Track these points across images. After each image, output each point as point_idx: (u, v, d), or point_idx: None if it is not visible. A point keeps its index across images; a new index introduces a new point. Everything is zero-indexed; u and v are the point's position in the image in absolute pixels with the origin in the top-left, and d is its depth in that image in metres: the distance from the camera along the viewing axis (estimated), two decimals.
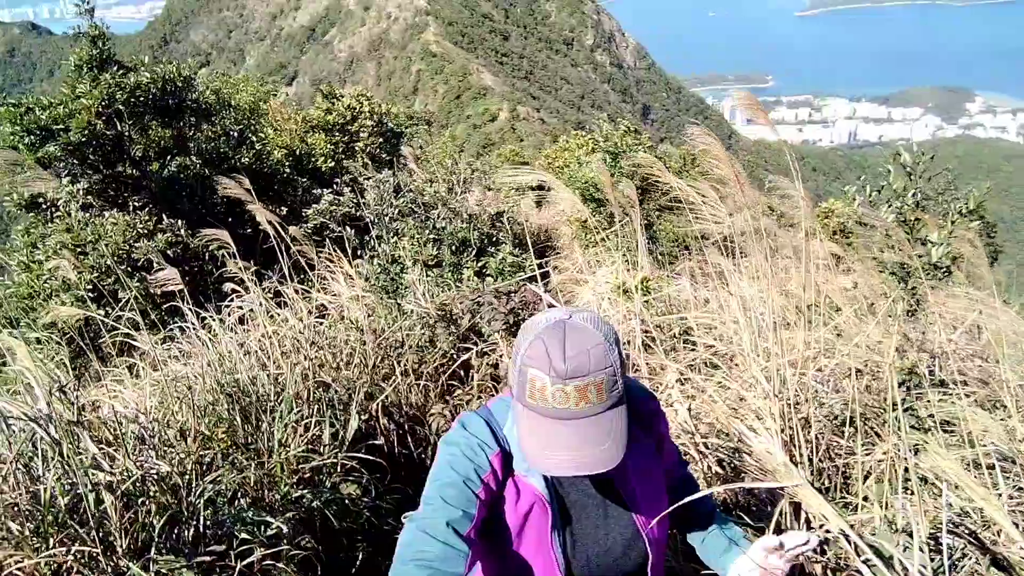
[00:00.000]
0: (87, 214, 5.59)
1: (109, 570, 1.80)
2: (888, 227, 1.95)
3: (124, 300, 4.76)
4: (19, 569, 1.72)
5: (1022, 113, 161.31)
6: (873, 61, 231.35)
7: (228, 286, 4.58)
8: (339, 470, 3.01)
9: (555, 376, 1.24)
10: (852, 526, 1.84)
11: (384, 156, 7.29)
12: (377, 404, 3.74)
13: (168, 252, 5.88)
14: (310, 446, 3.07)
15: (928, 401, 2.47)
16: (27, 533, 1.76)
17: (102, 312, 4.77)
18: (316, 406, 3.42)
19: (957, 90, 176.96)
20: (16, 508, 1.85)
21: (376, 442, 3.46)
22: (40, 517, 1.84)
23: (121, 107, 5.21)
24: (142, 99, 5.32)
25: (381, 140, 7.33)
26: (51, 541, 1.77)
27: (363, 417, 3.59)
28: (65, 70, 5.52)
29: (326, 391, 3.60)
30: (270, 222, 4.23)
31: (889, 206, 3.93)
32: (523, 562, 1.42)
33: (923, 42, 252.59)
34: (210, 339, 3.80)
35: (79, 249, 5.21)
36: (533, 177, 3.15)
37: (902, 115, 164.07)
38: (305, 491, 2.70)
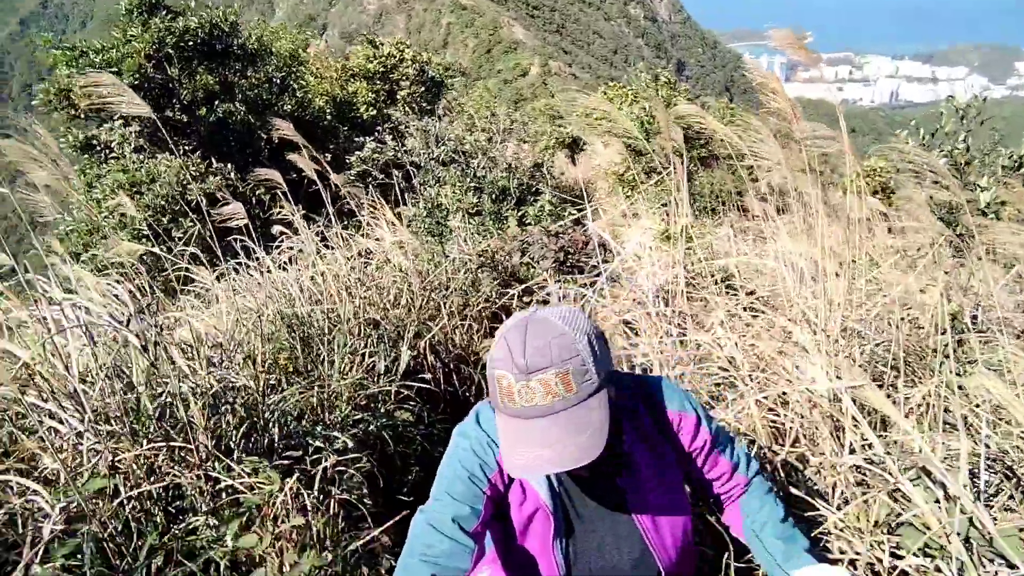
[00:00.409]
0: (140, 156, 5.76)
1: (195, 467, 1.97)
2: (938, 169, 1.99)
3: (181, 237, 4.94)
4: (118, 462, 1.89)
5: None
6: (916, 17, 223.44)
7: (276, 228, 4.73)
8: (393, 398, 3.16)
9: (518, 372, 1.21)
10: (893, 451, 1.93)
11: (424, 105, 7.34)
12: (424, 342, 3.88)
13: (217, 195, 6.05)
14: (365, 375, 3.22)
15: (970, 347, 2.53)
16: (123, 431, 1.93)
17: (161, 248, 4.97)
18: (368, 340, 3.57)
19: (1005, 48, 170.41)
20: (109, 410, 2.02)
21: (425, 376, 3.61)
22: (133, 419, 2.01)
23: (171, 51, 5.33)
24: (190, 43, 5.42)
25: (423, 89, 7.37)
26: (143, 442, 1.94)
27: (412, 353, 3.73)
28: (115, 13, 5.63)
29: (375, 328, 3.74)
30: (315, 169, 4.34)
31: (941, 151, 3.94)
32: (529, 558, 1.41)
33: None
34: (266, 276, 3.96)
35: (135, 189, 5.38)
36: (589, 110, 3.21)
37: (947, 74, 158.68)
38: (364, 415, 2.85)
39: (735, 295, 3.51)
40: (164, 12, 5.52)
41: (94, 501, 1.75)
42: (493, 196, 5.80)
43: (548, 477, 1.38)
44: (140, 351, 2.09)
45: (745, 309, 3.32)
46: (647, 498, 1.42)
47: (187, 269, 3.95)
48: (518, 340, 1.22)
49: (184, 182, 5.59)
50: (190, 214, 5.84)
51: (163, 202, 5.36)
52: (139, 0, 5.38)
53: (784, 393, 2.16)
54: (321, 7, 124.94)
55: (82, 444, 1.85)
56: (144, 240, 4.85)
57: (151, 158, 5.88)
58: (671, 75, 12.41)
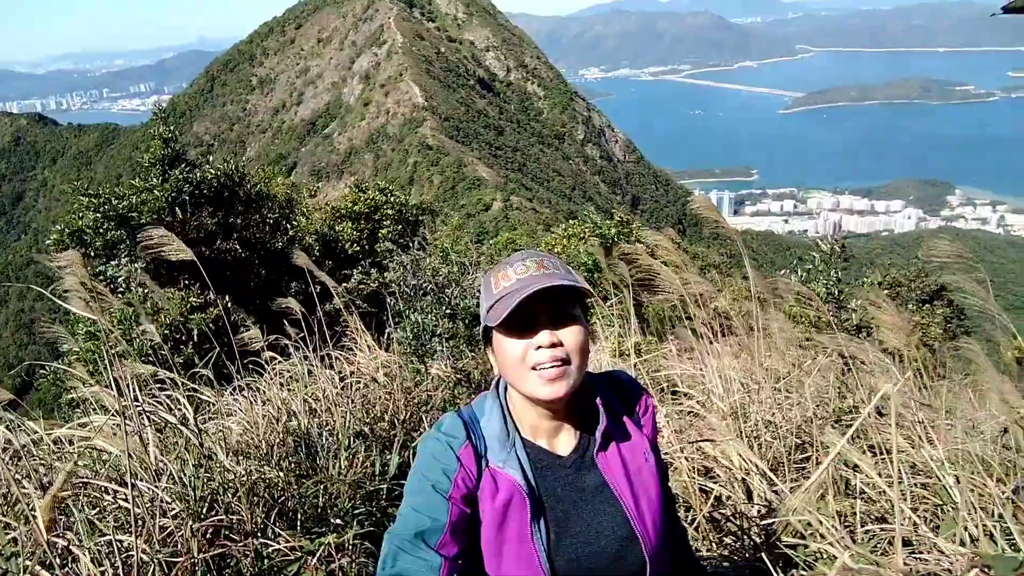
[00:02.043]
0: (143, 290, 6.33)
1: (241, 541, 2.42)
2: (814, 298, 2.67)
3: (183, 363, 5.43)
4: (180, 536, 2.33)
5: (1001, 206, 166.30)
6: (855, 155, 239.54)
7: (268, 354, 5.28)
8: (387, 496, 3.64)
9: (515, 261, 1.39)
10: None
11: (403, 241, 8.13)
12: (410, 452, 4.39)
13: (211, 325, 6.60)
14: (362, 476, 3.70)
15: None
16: (181, 509, 2.39)
17: (166, 372, 5.44)
18: (360, 448, 4.07)
19: (937, 183, 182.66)
20: (165, 494, 2.47)
21: None
22: (188, 501, 2.47)
23: (186, 198, 6.05)
24: (204, 191, 6.16)
25: (400, 227, 8.19)
26: (199, 518, 2.39)
27: (399, 459, 4.23)
28: (138, 164, 6.37)
29: (365, 440, 4.25)
30: (305, 298, 4.97)
31: (817, 282, 4.76)
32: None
33: (902, 137, 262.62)
34: (270, 395, 4.47)
35: (138, 321, 5.91)
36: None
37: (885, 207, 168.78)
38: (365, 506, 3.31)
39: (678, 401, 4.13)
40: (184, 164, 6.29)
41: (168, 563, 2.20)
42: (466, 321, 6.44)
43: (521, 463, 1.39)
44: (199, 446, 2.58)
45: (689, 413, 3.94)
46: (627, 480, 1.42)
47: (195, 390, 4.45)
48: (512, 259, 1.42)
49: (185, 312, 6.13)
50: (191, 341, 6.37)
51: (167, 331, 5.88)
52: (161, 155, 6.16)
53: (710, 469, 2.72)
54: (291, 146, 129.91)
55: (154, 522, 2.31)
56: (152, 365, 5.34)
57: (152, 292, 6.46)
58: (625, 212, 13.56)
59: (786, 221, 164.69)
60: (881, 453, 3.00)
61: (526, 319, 1.33)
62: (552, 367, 1.32)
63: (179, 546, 2.26)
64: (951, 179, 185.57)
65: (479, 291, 1.54)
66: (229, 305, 6.20)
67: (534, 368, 1.33)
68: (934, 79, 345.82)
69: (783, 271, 5.63)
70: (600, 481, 1.42)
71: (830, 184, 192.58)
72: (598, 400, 1.46)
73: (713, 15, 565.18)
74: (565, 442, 1.45)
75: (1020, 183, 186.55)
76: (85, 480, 2.47)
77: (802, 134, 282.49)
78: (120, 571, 2.03)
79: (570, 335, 1.35)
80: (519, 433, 1.44)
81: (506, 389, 1.48)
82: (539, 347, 1.33)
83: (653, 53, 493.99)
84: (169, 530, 2.33)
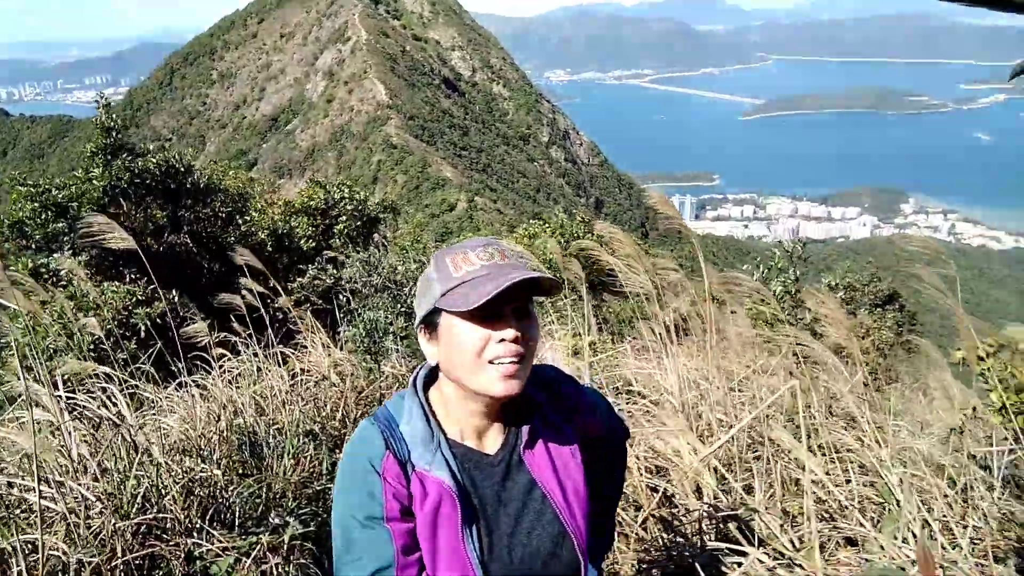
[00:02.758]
0: (87, 283, 6.10)
1: (172, 541, 2.30)
2: (767, 295, 2.67)
3: (125, 359, 5.24)
4: (114, 530, 2.21)
5: (952, 214, 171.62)
6: (813, 162, 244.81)
7: (217, 351, 5.13)
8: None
9: (476, 246, 1.33)
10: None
11: (360, 239, 8.00)
12: None
13: (157, 320, 6.39)
14: (308, 476, 3.60)
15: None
16: (105, 507, 2.26)
17: (106, 368, 5.25)
18: (308, 447, 3.96)
19: (891, 190, 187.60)
20: (98, 493, 2.35)
21: None
22: (119, 501, 2.35)
23: (128, 188, 5.84)
24: (147, 182, 5.97)
25: (359, 223, 8.05)
26: (127, 517, 2.27)
27: None
28: (81, 154, 6.14)
29: (315, 438, 4.14)
30: (259, 293, 4.85)
31: (776, 280, 4.80)
32: None
33: (857, 146, 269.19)
34: (215, 392, 4.33)
35: (82, 314, 5.69)
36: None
37: (841, 213, 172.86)
38: (310, 506, 3.21)
39: (632, 400, 4.11)
40: (126, 154, 6.08)
41: (95, 558, 2.07)
42: None
43: (448, 463, 1.32)
44: (132, 443, 2.46)
45: (643, 412, 3.91)
46: (556, 476, 1.39)
47: (134, 387, 4.29)
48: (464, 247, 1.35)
49: (130, 306, 5.93)
50: (135, 337, 6.15)
51: (108, 326, 5.68)
52: (104, 144, 5.94)
53: (661, 468, 2.70)
54: (252, 142, 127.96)
55: (78, 519, 2.19)
56: (91, 360, 5.15)
57: (98, 285, 6.23)
58: (588, 215, 13.61)
59: (746, 226, 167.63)
60: (831, 452, 3.00)
61: (493, 309, 1.27)
62: (511, 362, 1.27)
63: (104, 546, 2.14)
64: (905, 188, 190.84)
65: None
66: (176, 300, 6.02)
67: (491, 362, 1.27)
68: (890, 89, 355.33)
69: (745, 266, 5.68)
70: (529, 479, 1.38)
71: (789, 190, 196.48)
72: (531, 392, 1.42)
73: (677, 22, 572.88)
74: (492, 440, 1.41)
75: (970, 192, 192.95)
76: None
77: (762, 141, 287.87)
78: (34, 571, 1.91)
79: (531, 331, 1.31)
80: (444, 433, 1.37)
81: (425, 387, 1.42)
82: (501, 340, 1.27)
83: (618, 57, 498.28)
84: (95, 529, 2.20)
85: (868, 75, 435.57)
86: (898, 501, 2.16)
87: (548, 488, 1.37)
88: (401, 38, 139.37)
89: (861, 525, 2.53)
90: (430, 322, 1.35)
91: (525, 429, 1.40)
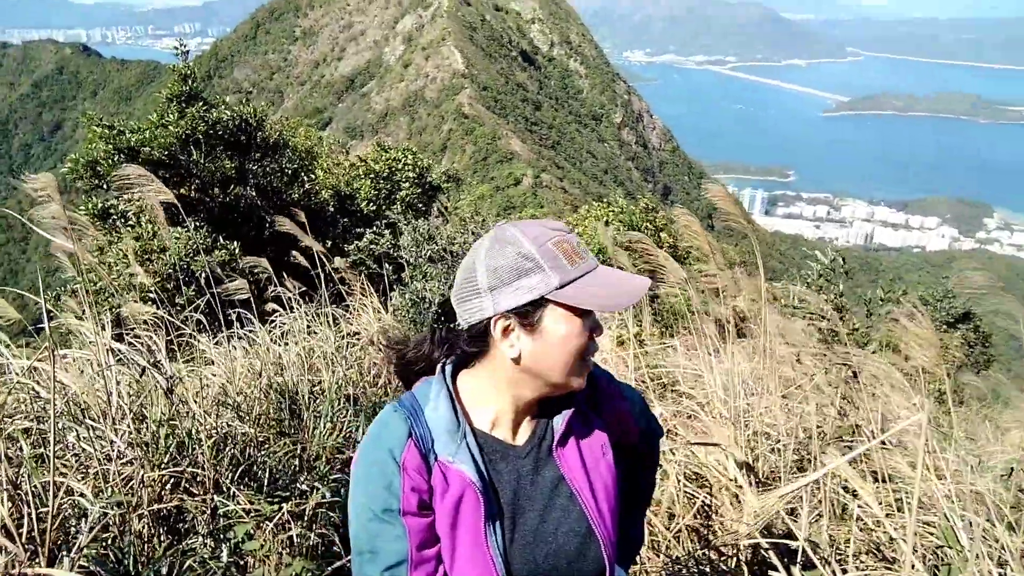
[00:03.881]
0: (152, 226, 6.25)
1: (199, 495, 2.32)
2: (825, 311, 2.51)
3: (184, 304, 5.35)
4: (140, 482, 2.23)
5: None
6: (894, 166, 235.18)
7: (270, 306, 5.18)
8: None
9: (565, 234, 1.24)
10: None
11: (420, 206, 7.98)
12: None
13: (218, 270, 6.51)
14: (344, 441, 3.60)
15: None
16: (142, 458, 2.29)
17: (165, 312, 5.38)
18: (347, 411, 3.96)
19: (975, 203, 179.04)
20: (131, 440, 2.38)
21: None
22: (152, 452, 2.38)
23: (200, 137, 5.93)
24: (220, 133, 6.05)
25: (420, 191, 8.04)
26: (158, 469, 2.30)
27: None
28: (156, 100, 6.26)
29: (355, 404, 4.13)
30: (316, 253, 4.86)
31: (821, 292, 4.60)
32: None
33: (944, 153, 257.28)
34: (260, 347, 4.37)
35: (145, 257, 5.83)
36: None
37: (920, 222, 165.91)
38: (340, 474, 3.21)
39: (678, 400, 3.97)
40: (200, 103, 6.16)
41: (115, 510, 2.09)
42: None
43: (473, 455, 1.26)
44: (165, 393, 2.48)
45: (688, 416, 3.78)
46: (585, 474, 1.33)
47: (190, 335, 4.36)
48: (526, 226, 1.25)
49: (191, 254, 6.05)
50: (194, 284, 6.29)
51: (170, 270, 5.79)
52: (180, 91, 6.03)
53: (699, 474, 2.58)
54: (328, 101, 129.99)
55: (109, 466, 2.21)
56: (150, 304, 5.26)
57: (162, 229, 6.37)
58: (654, 201, 13.32)
59: (817, 227, 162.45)
60: (883, 480, 2.83)
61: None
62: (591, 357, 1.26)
63: (133, 494, 2.16)
64: (990, 201, 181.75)
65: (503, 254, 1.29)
66: (237, 251, 6.10)
67: (585, 359, 1.24)
68: (984, 96, 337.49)
69: (783, 280, 5.47)
70: (556, 475, 1.30)
71: (866, 193, 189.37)
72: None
73: (765, 8, 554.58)
74: (522, 432, 1.33)
75: None
76: (39, 416, 2.37)
77: (843, 139, 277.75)
78: (54, 512, 1.93)
79: None
80: (469, 422, 1.30)
81: (454, 375, 1.32)
82: (593, 338, 1.23)
83: (700, 41, 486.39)
84: (126, 476, 2.23)
85: (962, 79, 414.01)
86: (961, 546, 2.00)
87: (576, 485, 1.30)
88: (482, 7, 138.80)
89: (913, 567, 2.38)
90: (527, 313, 1.21)
91: (558, 422, 1.33)
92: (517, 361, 1.24)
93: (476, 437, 1.28)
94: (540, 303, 1.19)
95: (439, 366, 1.33)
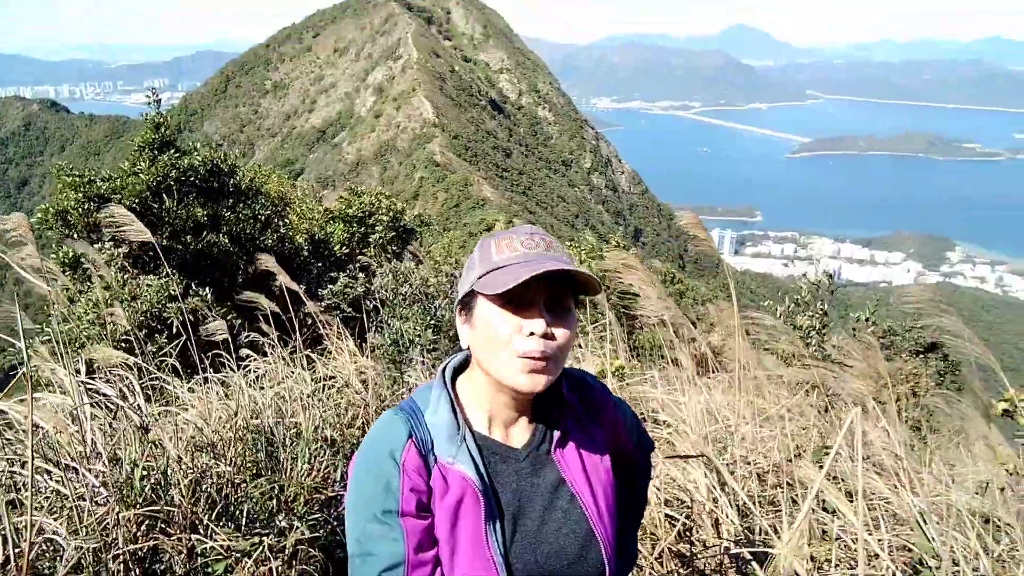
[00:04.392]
0: (123, 275, 6.19)
1: (175, 535, 2.27)
2: (789, 333, 2.57)
3: (155, 351, 5.28)
4: (115, 522, 2.18)
5: (1000, 266, 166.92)
6: (858, 204, 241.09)
7: (244, 351, 5.14)
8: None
9: (522, 233, 1.30)
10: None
11: (394, 249, 8.02)
12: None
13: (190, 317, 6.45)
14: (322, 482, 3.55)
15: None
16: (116, 497, 2.24)
17: (138, 358, 5.30)
18: (325, 453, 3.91)
19: (938, 238, 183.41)
20: (106, 480, 2.32)
21: None
22: (126, 491, 2.33)
23: (172, 184, 5.93)
24: (191, 179, 6.05)
25: (393, 234, 8.09)
26: (133, 508, 2.24)
27: None
28: (128, 148, 6.27)
29: (332, 445, 4.09)
30: (288, 297, 4.86)
31: (803, 315, 4.67)
32: None
33: (905, 190, 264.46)
34: (235, 389, 4.32)
35: (119, 304, 5.76)
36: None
37: (884, 258, 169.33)
38: (320, 513, 3.16)
39: (658, 428, 3.99)
40: (173, 150, 6.18)
41: (89, 548, 2.04)
42: (451, 335, 6.30)
43: (473, 457, 1.27)
44: (142, 431, 2.44)
45: (668, 442, 3.80)
46: (585, 476, 1.35)
47: (162, 380, 4.31)
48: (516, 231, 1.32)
49: (163, 301, 5.99)
50: (166, 331, 6.22)
51: (142, 318, 5.73)
52: (151, 139, 6.05)
53: (679, 498, 2.59)
54: (299, 152, 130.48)
55: (83, 504, 2.17)
56: (122, 351, 5.19)
57: (134, 278, 6.32)
58: (625, 240, 13.52)
59: (786, 265, 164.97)
60: (861, 499, 2.86)
61: (524, 298, 1.22)
62: (538, 357, 1.21)
63: (107, 534, 2.11)
64: (952, 236, 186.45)
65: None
66: (209, 298, 6.06)
67: (520, 355, 1.22)
68: (940, 135, 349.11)
69: (767, 302, 5.57)
70: (556, 477, 1.32)
71: (832, 231, 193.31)
72: (564, 392, 1.39)
73: (726, 55, 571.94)
74: (520, 435, 1.35)
75: (1020, 244, 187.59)
76: (11, 459, 2.32)
77: (807, 179, 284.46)
78: (25, 553, 1.89)
79: (563, 330, 1.25)
80: (469, 425, 1.32)
81: (454, 378, 1.36)
82: (531, 334, 1.21)
83: (665, 88, 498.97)
84: (100, 516, 2.18)
85: (920, 119, 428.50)
86: (937, 555, 2.03)
87: (577, 487, 1.32)
88: (451, 58, 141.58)
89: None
90: (467, 304, 1.31)
91: (558, 427, 1.36)
92: (471, 357, 1.33)
93: (476, 439, 1.30)
94: (473, 294, 1.28)
95: (439, 370, 1.37)
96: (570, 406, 1.39)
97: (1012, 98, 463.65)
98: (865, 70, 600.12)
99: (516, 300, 1.22)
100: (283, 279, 4.63)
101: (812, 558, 2.49)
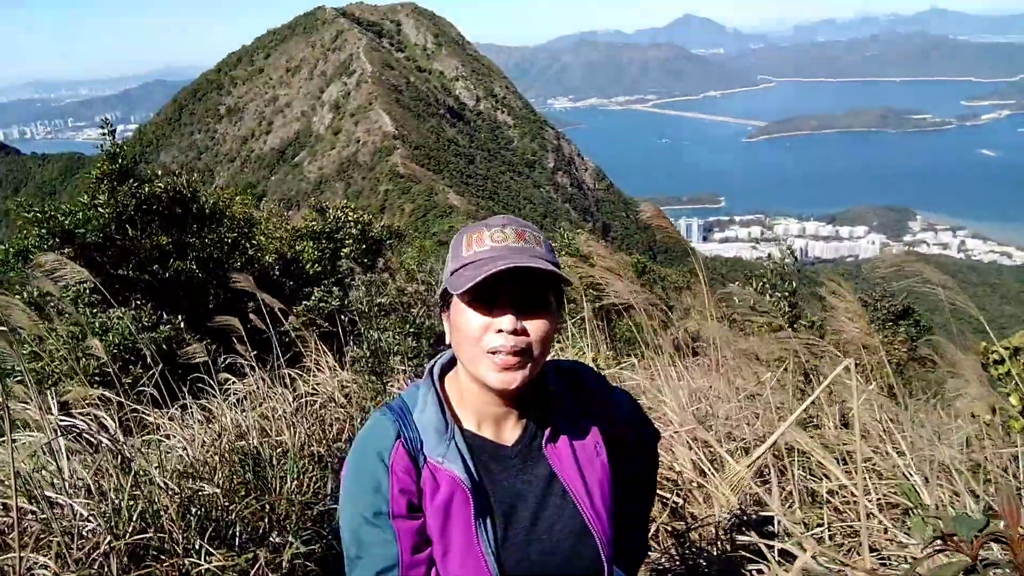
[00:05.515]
0: (92, 310, 6.09)
1: (169, 560, 2.24)
2: (767, 306, 2.62)
3: (131, 383, 5.21)
4: (109, 546, 2.14)
5: (961, 231, 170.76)
6: (818, 182, 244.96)
7: (222, 376, 5.09)
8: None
9: (494, 225, 1.25)
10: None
11: (366, 261, 7.99)
12: None
13: (163, 346, 6.36)
14: (313, 497, 3.53)
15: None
16: (103, 529, 2.20)
17: (112, 392, 5.22)
18: (314, 467, 3.90)
19: (898, 209, 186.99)
20: (92, 511, 2.29)
21: None
22: (114, 521, 2.29)
23: (133, 214, 5.85)
24: (154, 208, 5.97)
25: (363, 247, 8.05)
26: (122, 537, 2.21)
27: None
28: (86, 180, 6.16)
29: (319, 461, 4.07)
30: (266, 315, 4.83)
31: (775, 292, 4.78)
32: None
33: (862, 165, 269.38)
34: (217, 413, 4.28)
35: (89, 338, 5.67)
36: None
37: (849, 233, 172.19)
38: (313, 528, 3.14)
39: None
40: (131, 180, 6.09)
41: None
42: (430, 340, 6.29)
43: (462, 455, 1.25)
44: (124, 462, 2.41)
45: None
46: (579, 472, 1.32)
47: (141, 412, 4.25)
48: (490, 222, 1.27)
49: (136, 331, 5.91)
50: (139, 361, 6.12)
51: (115, 351, 5.65)
52: (110, 170, 5.96)
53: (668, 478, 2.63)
54: (260, 175, 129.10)
55: (68, 539, 2.13)
56: (95, 386, 5.10)
57: (103, 312, 6.23)
58: (595, 238, 13.59)
59: (754, 247, 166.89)
60: (847, 463, 2.92)
61: (492, 295, 1.20)
62: (508, 355, 1.19)
63: (97, 565, 2.07)
64: (912, 205, 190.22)
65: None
66: (182, 325, 5.99)
67: (490, 352, 1.20)
68: (891, 108, 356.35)
69: (735, 283, 5.67)
70: (548, 472, 1.30)
71: (795, 210, 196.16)
72: (550, 387, 1.36)
73: (676, 47, 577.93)
74: (510, 431, 1.33)
75: (977, 208, 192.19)
76: None
77: (766, 162, 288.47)
78: None
79: (536, 325, 1.22)
80: (458, 423, 1.31)
81: (441, 376, 1.35)
82: (499, 331, 1.19)
83: (620, 83, 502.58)
84: (88, 548, 2.14)
85: (868, 95, 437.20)
86: (924, 503, 2.08)
87: (569, 483, 1.29)
88: (405, 70, 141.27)
89: (886, 531, 2.45)
90: (446, 301, 1.29)
91: (547, 421, 1.33)
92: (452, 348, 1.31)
93: (465, 437, 1.29)
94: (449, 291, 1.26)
95: (427, 368, 1.35)
96: (560, 399, 1.37)
97: (957, 67, 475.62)
98: (812, 51, 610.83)
99: (483, 297, 1.20)
100: (262, 297, 4.60)
101: (805, 524, 2.53)
